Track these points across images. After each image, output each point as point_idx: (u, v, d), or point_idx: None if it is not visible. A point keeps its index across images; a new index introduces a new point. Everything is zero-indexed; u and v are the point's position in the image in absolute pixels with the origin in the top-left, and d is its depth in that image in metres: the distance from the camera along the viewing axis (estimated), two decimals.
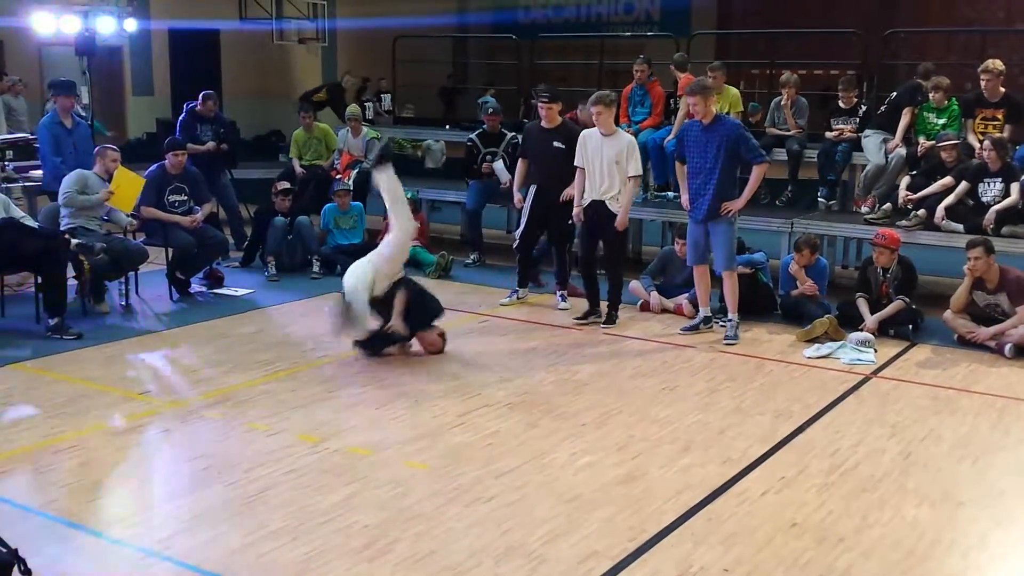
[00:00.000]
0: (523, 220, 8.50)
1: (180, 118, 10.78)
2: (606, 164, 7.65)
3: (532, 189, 8.36)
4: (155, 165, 8.81)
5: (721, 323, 7.72)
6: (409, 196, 10.50)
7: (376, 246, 10.05)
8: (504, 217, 12.06)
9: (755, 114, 10.61)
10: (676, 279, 8.51)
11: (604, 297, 8.06)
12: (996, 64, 8.87)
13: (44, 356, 6.88)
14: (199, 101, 10.70)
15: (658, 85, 10.71)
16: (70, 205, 7.92)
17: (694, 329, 7.74)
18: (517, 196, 8.63)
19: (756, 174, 7.42)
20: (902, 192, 8.81)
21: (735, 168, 7.50)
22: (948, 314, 7.69)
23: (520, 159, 8.62)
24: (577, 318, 8.05)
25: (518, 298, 8.70)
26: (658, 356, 7.22)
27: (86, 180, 8.05)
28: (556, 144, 8.15)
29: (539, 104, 8.32)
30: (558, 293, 8.53)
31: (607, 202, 7.70)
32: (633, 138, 7.92)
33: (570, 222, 8.14)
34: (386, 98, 17.47)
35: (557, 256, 8.53)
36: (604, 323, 7.98)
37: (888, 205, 8.85)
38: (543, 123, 8.30)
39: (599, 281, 8.07)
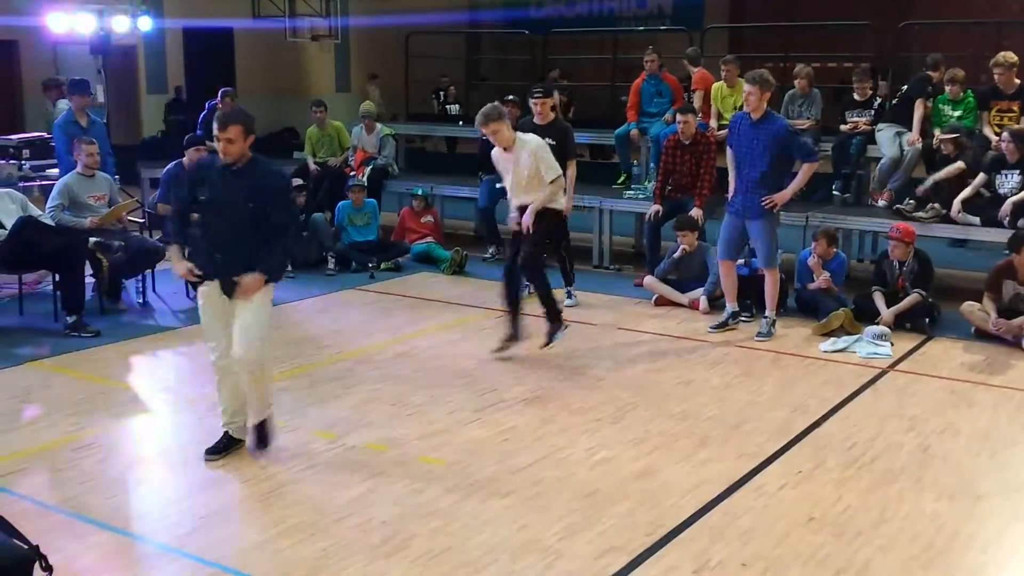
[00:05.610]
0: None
1: (202, 115, 10.90)
2: (523, 179, 7.04)
3: None
4: (173, 163, 8.85)
5: (764, 317, 7.59)
6: (421, 192, 10.60)
7: (388, 242, 10.20)
8: None
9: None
10: (689, 274, 8.48)
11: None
12: (1008, 56, 8.80)
13: (62, 354, 6.92)
14: (218, 98, 10.78)
15: (670, 74, 10.74)
16: (57, 222, 7.70)
17: (723, 326, 7.64)
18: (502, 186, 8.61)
19: (805, 171, 7.26)
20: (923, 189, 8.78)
21: (780, 167, 7.31)
22: (966, 306, 7.64)
23: None
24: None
25: (529, 292, 8.71)
26: (673, 351, 7.20)
27: (70, 191, 7.86)
28: (547, 140, 8.15)
29: (532, 100, 8.33)
30: (564, 290, 8.53)
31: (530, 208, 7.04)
32: (538, 140, 7.15)
33: (565, 216, 7.72)
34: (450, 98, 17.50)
35: (556, 255, 8.56)
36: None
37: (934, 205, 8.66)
38: (536, 119, 8.31)
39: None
